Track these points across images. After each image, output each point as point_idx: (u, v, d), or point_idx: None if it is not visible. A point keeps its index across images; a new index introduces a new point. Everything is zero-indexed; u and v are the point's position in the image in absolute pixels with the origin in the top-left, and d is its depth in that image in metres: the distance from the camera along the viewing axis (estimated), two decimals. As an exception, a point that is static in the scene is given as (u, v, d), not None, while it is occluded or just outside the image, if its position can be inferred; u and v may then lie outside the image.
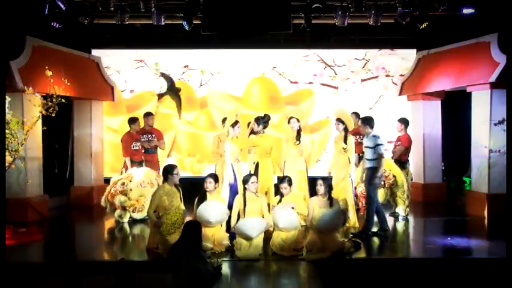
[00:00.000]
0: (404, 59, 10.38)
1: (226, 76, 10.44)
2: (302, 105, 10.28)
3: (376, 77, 10.48)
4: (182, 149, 10.41)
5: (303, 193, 7.12)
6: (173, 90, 10.43)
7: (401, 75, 10.32)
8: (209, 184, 6.26)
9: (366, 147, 6.83)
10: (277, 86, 10.46)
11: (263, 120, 7.23)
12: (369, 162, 6.78)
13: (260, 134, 7.20)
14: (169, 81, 10.43)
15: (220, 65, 10.44)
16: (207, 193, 6.27)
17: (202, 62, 10.46)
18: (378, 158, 6.68)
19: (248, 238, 5.88)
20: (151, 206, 6.08)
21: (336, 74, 10.46)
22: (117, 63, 10.31)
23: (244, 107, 10.31)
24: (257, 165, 7.11)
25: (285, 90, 10.47)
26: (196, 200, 6.28)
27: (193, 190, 6.69)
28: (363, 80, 10.46)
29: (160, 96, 10.41)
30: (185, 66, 10.48)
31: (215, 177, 6.42)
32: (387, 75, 10.45)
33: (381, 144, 6.69)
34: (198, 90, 10.49)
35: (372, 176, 6.73)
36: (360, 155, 8.43)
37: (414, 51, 10.20)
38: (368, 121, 6.88)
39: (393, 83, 10.43)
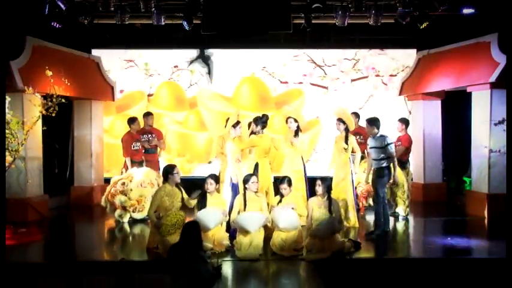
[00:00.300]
0: (394, 59, 10.41)
1: (216, 76, 10.44)
2: (291, 105, 10.20)
3: (366, 77, 10.48)
4: (172, 149, 10.35)
5: (300, 193, 7.10)
6: (203, 57, 10.42)
7: (391, 75, 10.38)
8: (210, 186, 6.25)
9: (373, 147, 6.80)
10: (267, 86, 10.46)
11: (261, 121, 7.24)
12: (377, 163, 6.74)
13: (259, 134, 7.20)
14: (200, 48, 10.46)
15: (210, 65, 10.42)
16: (208, 194, 6.26)
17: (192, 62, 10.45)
18: (390, 157, 6.66)
19: (247, 232, 5.89)
20: (152, 207, 6.07)
21: (325, 74, 10.47)
22: (107, 63, 10.22)
23: (234, 107, 10.29)
24: (256, 165, 7.11)
25: (275, 90, 10.48)
26: (196, 201, 6.28)
27: (192, 190, 6.66)
28: (352, 80, 10.47)
29: (190, 62, 10.42)
30: (175, 67, 10.47)
31: (215, 178, 6.41)
32: (377, 75, 10.46)
33: (391, 143, 6.69)
34: (187, 90, 10.48)
35: (381, 176, 6.69)
36: (361, 155, 8.45)
37: (404, 51, 10.30)
38: (374, 122, 6.86)
39: (383, 83, 10.45)
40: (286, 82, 10.49)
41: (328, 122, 10.08)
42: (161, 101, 10.45)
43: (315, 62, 10.49)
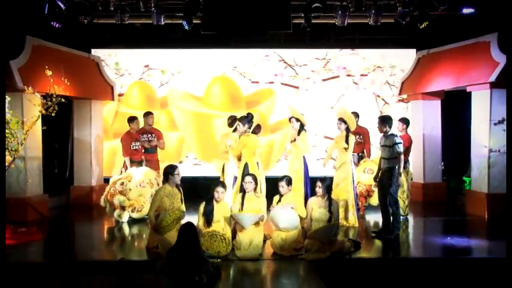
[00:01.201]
0: (365, 58, 10.42)
1: (186, 76, 10.41)
2: (263, 105, 10.31)
3: (337, 76, 10.47)
4: None
5: (298, 193, 7.05)
6: None
7: (362, 75, 10.40)
8: (221, 194, 6.05)
9: (383, 146, 6.75)
10: (238, 86, 10.44)
11: (247, 120, 7.13)
12: (387, 162, 6.69)
13: (247, 134, 7.09)
14: None
15: (180, 65, 10.41)
16: (214, 201, 6.08)
17: (163, 62, 10.43)
18: (396, 156, 6.62)
19: (243, 229, 5.93)
20: (152, 208, 6.04)
21: (296, 74, 10.46)
22: None
23: (205, 106, 10.36)
24: (246, 166, 7.00)
25: (246, 90, 10.45)
26: (204, 203, 6.08)
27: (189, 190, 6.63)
28: (323, 80, 10.46)
29: None
30: (145, 66, 10.44)
31: (224, 185, 6.25)
32: (348, 75, 10.45)
33: (400, 143, 6.66)
34: (158, 90, 10.45)
35: (392, 175, 6.65)
36: (360, 154, 8.46)
37: (375, 51, 10.35)
38: (387, 120, 6.83)
39: (354, 82, 10.45)
40: (257, 82, 10.47)
41: None
42: (132, 101, 10.39)
43: (285, 62, 10.48)
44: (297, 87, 10.47)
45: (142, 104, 10.35)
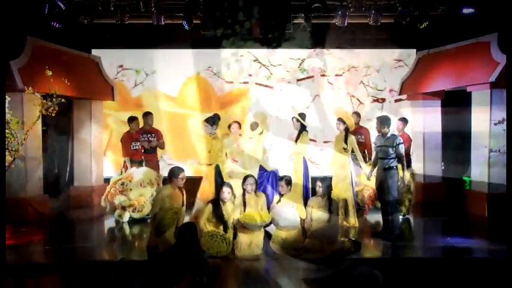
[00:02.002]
0: (340, 58, 10.40)
1: (161, 76, 10.39)
2: (237, 105, 10.31)
3: (312, 76, 10.46)
4: (117, 149, 9.83)
5: (298, 193, 7.04)
6: None
7: (336, 75, 10.38)
8: (227, 194, 6.10)
9: (382, 146, 6.73)
10: (212, 86, 10.42)
11: (212, 120, 7.07)
12: (385, 162, 6.66)
13: (213, 135, 7.03)
14: None
15: (154, 65, 10.39)
16: (220, 202, 6.12)
17: (137, 62, 10.40)
18: (399, 157, 6.61)
19: (247, 230, 5.95)
20: (153, 209, 6.04)
21: (271, 74, 10.43)
22: None
23: (179, 107, 10.34)
24: (217, 167, 6.95)
25: (220, 90, 10.43)
26: (211, 204, 6.13)
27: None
28: (298, 80, 10.44)
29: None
30: (120, 66, 10.41)
31: (231, 186, 6.26)
32: (323, 75, 10.43)
33: (402, 143, 6.66)
34: (132, 90, 10.42)
35: (393, 176, 6.63)
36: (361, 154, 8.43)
37: (352, 51, 10.32)
38: (387, 121, 6.83)
39: (329, 82, 10.43)
40: (232, 82, 10.44)
41: (273, 121, 9.95)
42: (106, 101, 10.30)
43: (260, 62, 10.45)
44: (272, 87, 10.44)
45: (117, 105, 10.31)
